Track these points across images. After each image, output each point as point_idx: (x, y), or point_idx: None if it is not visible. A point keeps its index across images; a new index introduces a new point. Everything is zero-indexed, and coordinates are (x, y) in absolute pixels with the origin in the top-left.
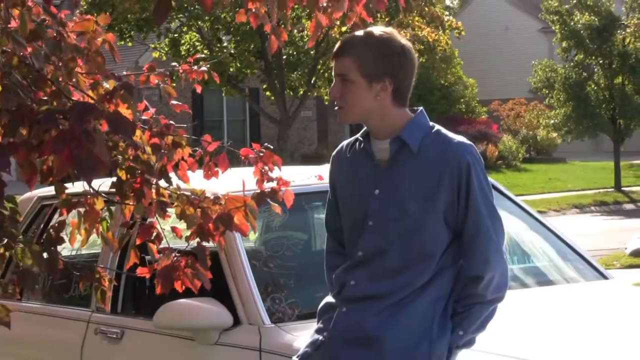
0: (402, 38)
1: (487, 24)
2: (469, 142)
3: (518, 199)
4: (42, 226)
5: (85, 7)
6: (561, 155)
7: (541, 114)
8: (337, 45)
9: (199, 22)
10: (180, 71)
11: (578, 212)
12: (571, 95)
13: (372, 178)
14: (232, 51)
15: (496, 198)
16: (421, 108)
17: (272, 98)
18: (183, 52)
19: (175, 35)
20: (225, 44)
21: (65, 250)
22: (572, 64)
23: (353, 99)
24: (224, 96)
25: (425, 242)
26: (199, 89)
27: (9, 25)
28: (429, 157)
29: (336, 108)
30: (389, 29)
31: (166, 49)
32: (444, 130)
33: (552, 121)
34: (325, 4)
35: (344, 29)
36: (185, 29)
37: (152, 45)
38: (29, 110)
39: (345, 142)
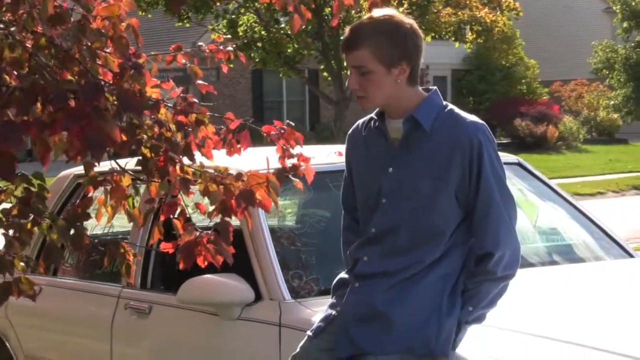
0: (405, 17)
1: (550, 4)
2: (481, 121)
3: (546, 178)
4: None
5: None
6: (622, 137)
7: (602, 95)
8: (346, 37)
9: (256, 4)
10: (207, 51)
11: (637, 194)
12: (631, 76)
13: (386, 156)
14: (289, 32)
15: (525, 178)
16: (435, 88)
17: (329, 79)
18: (241, 33)
19: (233, 16)
20: (282, 25)
21: (98, 228)
22: (632, 44)
23: (374, 88)
24: (281, 77)
25: (436, 220)
26: (224, 69)
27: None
28: (442, 136)
29: (357, 98)
30: (390, 11)
31: (224, 30)
32: (457, 110)
33: (612, 102)
34: None
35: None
36: (242, 10)
37: (210, 27)
38: (41, 88)
39: (360, 121)
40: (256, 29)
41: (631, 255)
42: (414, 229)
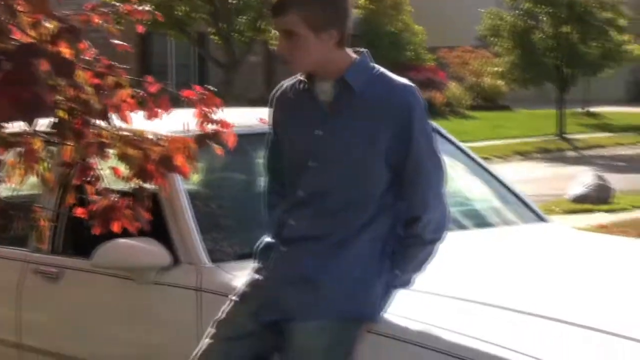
0: None
1: None
2: (411, 84)
3: (460, 143)
4: None
5: None
6: (507, 103)
7: (487, 62)
8: (276, 1)
9: None
10: (123, 11)
11: (521, 159)
12: (517, 44)
13: (315, 119)
14: None
15: (438, 142)
16: (365, 50)
17: (219, 42)
18: None
19: None
20: None
21: (6, 190)
22: (519, 12)
23: (302, 53)
24: (170, 40)
25: (365, 183)
26: (140, 29)
27: None
28: (372, 99)
29: (285, 62)
30: None
31: None
32: (387, 72)
33: (498, 69)
34: None
35: None
36: None
37: None
38: None
39: (286, 82)
40: None
41: (543, 220)
42: (343, 192)
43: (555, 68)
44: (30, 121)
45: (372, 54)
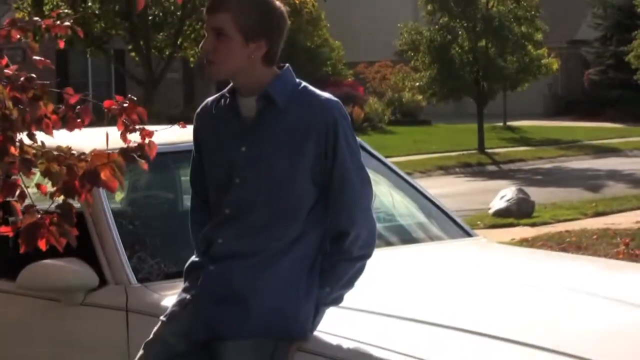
0: (278, 1)
1: None
2: (335, 98)
3: (384, 158)
4: None
5: None
6: (426, 118)
7: (406, 77)
8: None
9: None
10: (43, 26)
11: (443, 174)
12: (436, 58)
13: (239, 134)
14: (97, 11)
15: (362, 157)
16: (288, 65)
17: (137, 59)
18: (46, 12)
19: None
20: (89, 4)
21: None
22: (437, 26)
23: (226, 55)
24: (88, 57)
25: (291, 199)
26: (61, 44)
27: None
28: (296, 113)
29: (206, 62)
30: None
31: (29, 9)
32: (310, 87)
33: (417, 83)
34: None
35: None
36: None
37: (15, 5)
38: None
39: (210, 99)
40: (62, 8)
41: (469, 234)
42: (269, 208)
43: (474, 82)
44: None
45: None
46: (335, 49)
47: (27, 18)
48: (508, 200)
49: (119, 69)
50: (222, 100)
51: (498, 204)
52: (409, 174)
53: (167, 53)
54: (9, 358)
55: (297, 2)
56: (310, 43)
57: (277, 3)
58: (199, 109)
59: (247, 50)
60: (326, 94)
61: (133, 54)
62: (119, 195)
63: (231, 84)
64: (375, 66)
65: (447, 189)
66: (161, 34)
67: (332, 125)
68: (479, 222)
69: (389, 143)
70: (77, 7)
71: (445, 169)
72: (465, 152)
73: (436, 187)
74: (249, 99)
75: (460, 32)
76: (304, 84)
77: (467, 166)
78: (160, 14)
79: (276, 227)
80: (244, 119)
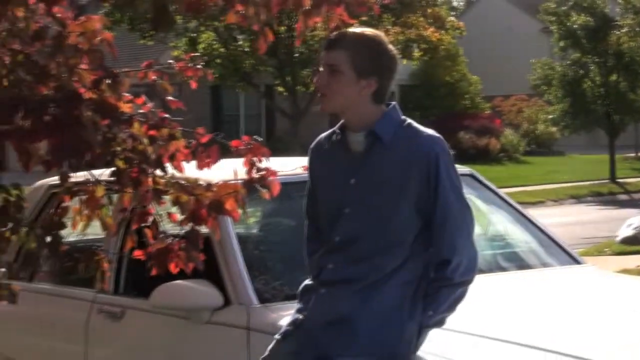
0: (390, 43)
1: (491, 24)
2: (438, 135)
3: (496, 189)
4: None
5: (108, 7)
6: (560, 149)
7: (540, 110)
8: (331, 37)
9: (215, 22)
10: (177, 68)
11: (575, 202)
12: (568, 92)
13: (349, 168)
14: (246, 49)
15: (477, 189)
16: (394, 103)
17: (285, 94)
18: (200, 51)
19: (193, 34)
20: (239, 42)
21: (72, 235)
22: (569, 62)
23: (338, 89)
24: (237, 92)
25: (396, 229)
26: (193, 85)
27: (14, 25)
28: (401, 149)
29: (320, 95)
30: (380, 33)
31: (185, 48)
32: (414, 124)
33: (550, 116)
34: (309, 7)
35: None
36: (202, 28)
37: (172, 44)
38: (22, 100)
39: (323, 135)
40: (215, 46)
41: (577, 262)
42: (376, 238)
43: (605, 115)
44: (77, 164)
45: (430, 103)
46: (473, 83)
47: (182, 56)
48: (635, 228)
49: (268, 103)
50: (334, 136)
51: (625, 231)
52: (541, 202)
53: (312, 88)
54: None
55: (434, 39)
56: (450, 77)
57: (390, 46)
58: (312, 144)
59: (358, 87)
60: (429, 130)
61: (280, 89)
62: (249, 220)
63: (342, 121)
64: (511, 99)
65: (578, 217)
66: (306, 70)
67: (434, 160)
68: (606, 249)
69: (523, 173)
70: (228, 46)
71: (577, 198)
72: (597, 182)
73: (567, 215)
74: (357, 135)
75: (591, 67)
76: (408, 120)
77: (598, 195)
78: (306, 51)
79: (382, 255)
80: (353, 154)
